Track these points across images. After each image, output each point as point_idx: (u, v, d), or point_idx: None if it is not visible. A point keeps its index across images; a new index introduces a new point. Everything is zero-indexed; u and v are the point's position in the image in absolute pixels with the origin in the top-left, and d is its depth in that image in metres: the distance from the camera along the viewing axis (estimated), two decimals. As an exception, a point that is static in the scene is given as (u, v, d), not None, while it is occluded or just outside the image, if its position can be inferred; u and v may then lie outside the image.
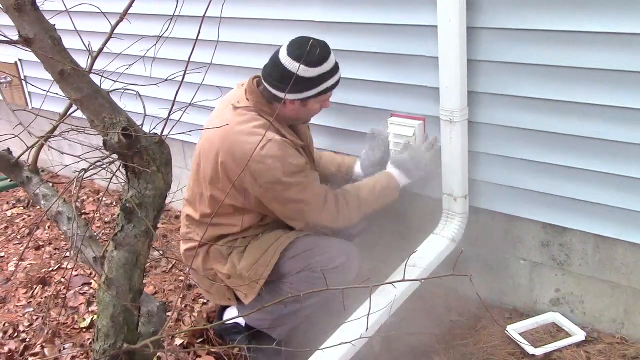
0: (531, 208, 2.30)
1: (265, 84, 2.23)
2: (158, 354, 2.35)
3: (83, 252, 1.90)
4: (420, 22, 2.24)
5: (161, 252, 3.26)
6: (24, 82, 4.49)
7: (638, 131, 1.93)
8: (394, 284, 1.69)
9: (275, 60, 2.20)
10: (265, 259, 2.29)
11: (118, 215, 1.68)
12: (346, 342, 1.69)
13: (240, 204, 2.29)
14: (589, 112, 2.01)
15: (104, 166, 1.59)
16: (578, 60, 1.96)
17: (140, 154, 1.64)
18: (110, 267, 1.67)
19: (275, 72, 2.19)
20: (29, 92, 4.52)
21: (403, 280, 1.42)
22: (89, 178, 1.67)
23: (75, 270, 3.25)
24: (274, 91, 2.20)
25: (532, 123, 2.15)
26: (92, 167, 1.58)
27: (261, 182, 2.18)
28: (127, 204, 1.65)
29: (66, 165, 1.80)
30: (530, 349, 2.22)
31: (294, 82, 2.09)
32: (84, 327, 2.73)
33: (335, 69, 2.22)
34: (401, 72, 2.40)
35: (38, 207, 4.11)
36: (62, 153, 1.63)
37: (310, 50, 2.11)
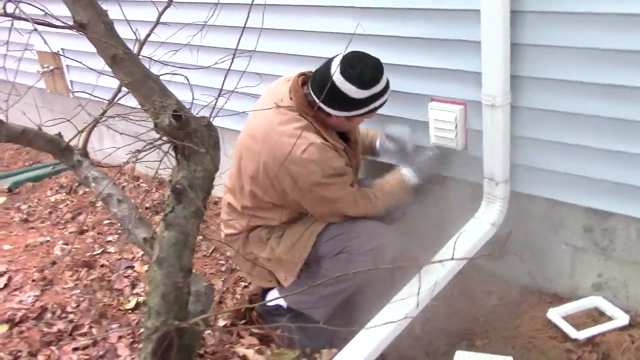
0: (574, 192, 2.28)
1: (313, 95, 2.22)
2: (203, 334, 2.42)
3: (134, 233, 1.96)
4: (464, 6, 2.23)
5: (202, 236, 3.32)
6: (66, 71, 4.60)
7: (686, 113, 1.91)
8: (443, 262, 1.70)
9: (326, 74, 2.18)
10: (303, 242, 2.33)
11: (168, 196, 1.72)
12: (392, 322, 1.72)
13: (279, 202, 2.33)
14: (631, 95, 1.98)
15: (157, 145, 1.63)
16: (623, 43, 1.94)
17: (190, 136, 1.68)
18: (162, 247, 1.72)
19: (324, 86, 2.15)
20: (70, 80, 4.61)
21: (452, 259, 1.44)
22: (140, 161, 1.71)
23: (119, 255, 3.34)
24: (321, 105, 2.20)
25: (575, 107, 2.13)
26: (145, 148, 1.63)
27: (301, 184, 2.22)
28: (177, 186, 1.69)
29: (118, 148, 1.85)
30: (573, 333, 2.21)
31: (343, 101, 2.15)
32: (130, 309, 2.80)
33: (385, 89, 2.23)
34: (444, 57, 2.39)
35: (81, 192, 4.27)
36: (121, 134, 1.68)
37: (363, 70, 2.14)
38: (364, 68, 2.15)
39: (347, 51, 2.18)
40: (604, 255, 2.33)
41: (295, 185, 2.21)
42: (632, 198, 2.14)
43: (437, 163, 2.50)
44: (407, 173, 2.45)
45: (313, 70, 2.38)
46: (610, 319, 2.29)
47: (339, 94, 2.16)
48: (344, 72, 2.14)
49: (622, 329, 2.22)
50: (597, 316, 2.33)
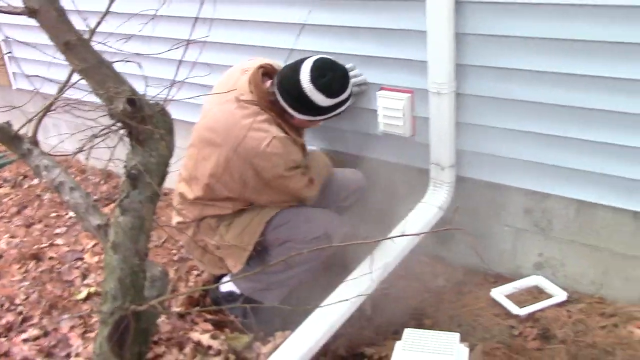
0: (515, 176, 2.40)
1: (279, 97, 2.26)
2: (158, 320, 2.43)
3: (87, 220, 1.95)
4: (409, -4, 2.31)
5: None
6: (7, 62, 4.48)
7: (616, 99, 2.03)
8: (393, 239, 1.76)
9: (294, 81, 2.22)
10: (251, 229, 2.38)
11: (123, 182, 1.73)
12: (345, 300, 1.78)
13: (236, 195, 2.35)
14: (569, 82, 2.10)
15: (112, 130, 1.64)
16: (561, 32, 2.05)
17: (145, 121, 1.69)
18: (117, 232, 1.73)
19: (293, 93, 2.23)
20: (13, 72, 4.50)
21: (403, 235, 1.51)
22: (94, 148, 1.71)
23: (68, 246, 3.30)
24: (287, 107, 2.26)
25: (516, 93, 2.24)
26: (100, 134, 1.63)
27: (264, 176, 2.26)
28: (132, 171, 1.70)
29: (71, 134, 1.85)
30: (515, 310, 2.33)
31: (311, 108, 2.23)
32: (81, 299, 2.79)
33: (348, 97, 2.32)
34: (391, 47, 2.47)
35: (26, 186, 4.18)
36: (74, 119, 1.67)
37: (332, 80, 2.22)
38: (333, 77, 2.22)
39: (316, 57, 2.26)
40: (543, 236, 2.46)
41: (258, 177, 2.25)
42: (568, 179, 2.26)
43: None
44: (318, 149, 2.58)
45: (270, 61, 2.42)
46: (549, 296, 2.42)
47: (306, 101, 2.23)
48: (313, 81, 2.20)
49: (561, 305, 2.35)
50: (538, 294, 2.45)
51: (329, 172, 2.55)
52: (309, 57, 2.25)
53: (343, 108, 2.33)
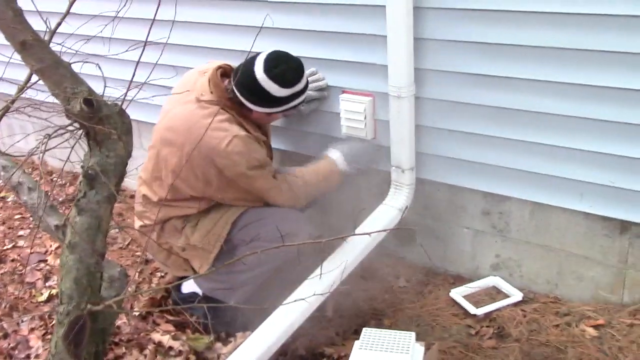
0: (473, 178, 2.45)
1: (236, 91, 2.29)
2: (118, 323, 2.44)
3: (45, 220, 1.95)
4: (371, 2, 2.35)
5: (118, 228, 3.31)
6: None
7: (567, 103, 2.09)
8: (345, 238, 1.79)
9: (249, 73, 2.24)
10: (217, 230, 2.39)
11: (80, 182, 1.74)
12: (301, 299, 1.80)
13: (200, 194, 2.36)
14: (523, 87, 2.16)
15: (68, 130, 1.64)
16: (515, 38, 2.11)
17: (102, 122, 1.70)
18: (74, 232, 1.73)
19: (248, 85, 2.25)
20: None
21: (353, 234, 1.53)
22: (50, 148, 1.72)
23: (31, 249, 3.27)
24: (244, 101, 2.29)
25: (472, 97, 2.29)
26: (55, 134, 1.64)
27: (226, 174, 2.27)
28: (89, 171, 1.71)
29: (28, 134, 1.85)
30: (472, 310, 2.38)
31: (265, 98, 2.25)
32: (42, 301, 2.77)
33: (305, 88, 2.34)
34: (353, 51, 2.50)
35: (-10, 188, 4.13)
36: (31, 116, 1.68)
37: (286, 70, 2.24)
38: (286, 68, 2.25)
39: (270, 50, 2.28)
40: (501, 237, 2.51)
41: (220, 175, 2.27)
42: (524, 182, 2.32)
43: (365, 155, 2.58)
44: (337, 159, 2.51)
45: (229, 63, 2.44)
46: (506, 296, 2.47)
47: (261, 92, 2.24)
48: (267, 71, 2.22)
49: (516, 304, 2.41)
50: (495, 294, 2.51)
51: (329, 186, 2.52)
52: (264, 51, 2.29)
53: (299, 100, 2.34)
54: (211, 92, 2.31)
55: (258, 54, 2.28)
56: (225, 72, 2.38)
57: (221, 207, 2.42)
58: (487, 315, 2.37)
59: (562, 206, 2.28)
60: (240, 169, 2.27)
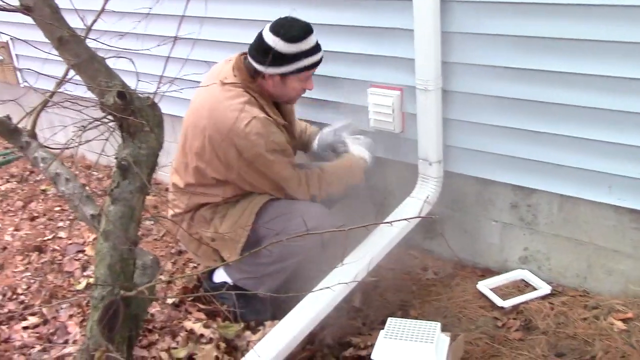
0: (501, 171, 2.45)
1: (249, 57, 2.37)
2: (152, 311, 2.51)
3: (81, 210, 2.03)
4: (397, -4, 2.37)
5: (153, 221, 3.40)
6: (15, 61, 4.59)
7: (597, 96, 2.08)
8: (369, 227, 1.81)
9: (259, 35, 2.34)
10: (243, 220, 2.44)
11: (114, 172, 1.81)
12: (327, 288, 1.84)
13: (223, 177, 2.42)
14: (551, 80, 2.16)
15: (102, 122, 1.71)
16: (542, 30, 2.10)
17: (135, 114, 1.76)
18: (108, 220, 1.80)
19: (257, 46, 2.33)
20: (20, 70, 4.60)
21: (375, 223, 1.56)
22: (85, 142, 1.79)
23: (70, 240, 3.39)
24: (255, 64, 2.34)
25: (500, 90, 2.29)
26: (90, 126, 1.71)
27: (245, 156, 2.31)
28: (122, 162, 1.78)
29: (64, 126, 1.92)
30: (499, 302, 2.38)
31: (273, 57, 2.26)
32: (80, 289, 2.87)
33: (314, 50, 2.35)
34: (381, 45, 2.53)
35: (32, 182, 4.28)
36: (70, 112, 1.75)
37: (291, 27, 2.28)
38: (292, 25, 2.31)
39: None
40: (529, 230, 2.51)
41: (240, 157, 2.31)
42: (553, 175, 2.31)
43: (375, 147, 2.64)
44: (362, 153, 2.57)
45: None
46: (534, 289, 2.47)
47: (268, 49, 2.28)
48: (272, 29, 2.30)
49: (544, 297, 2.40)
50: (523, 287, 2.51)
51: (352, 180, 2.55)
52: None
53: (309, 62, 2.34)
54: (234, 76, 2.39)
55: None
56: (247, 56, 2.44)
57: (247, 197, 2.47)
58: (515, 307, 2.37)
59: (590, 199, 2.27)
60: (258, 150, 2.30)
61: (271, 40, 2.29)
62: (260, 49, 2.32)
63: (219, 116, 2.31)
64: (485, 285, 2.50)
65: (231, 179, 2.41)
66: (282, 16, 2.35)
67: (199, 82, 2.50)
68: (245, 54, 2.44)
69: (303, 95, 2.52)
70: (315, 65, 2.39)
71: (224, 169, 2.37)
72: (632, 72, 1.98)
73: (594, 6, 1.97)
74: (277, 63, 2.31)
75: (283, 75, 2.36)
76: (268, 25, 2.33)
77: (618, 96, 2.04)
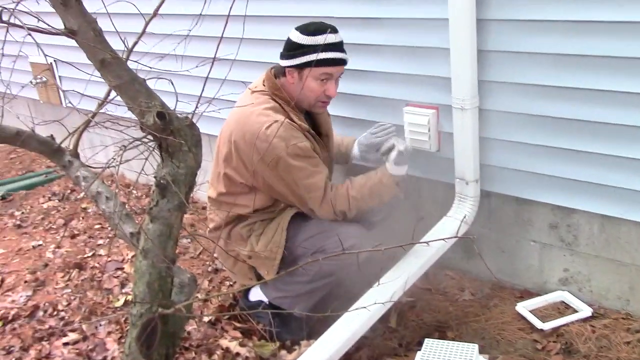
0: (540, 191, 2.42)
1: (280, 60, 2.44)
2: (188, 329, 2.53)
3: (121, 228, 2.07)
4: (433, 15, 2.37)
5: (189, 239, 3.44)
6: (58, 82, 4.73)
7: (638, 114, 2.04)
8: (403, 246, 1.80)
9: (288, 37, 2.43)
10: (276, 237, 2.45)
11: (153, 191, 1.84)
12: (362, 307, 1.83)
13: (250, 183, 2.44)
14: (592, 97, 2.13)
15: (142, 142, 1.74)
16: (581, 48, 2.08)
17: (174, 134, 1.80)
18: (146, 239, 1.83)
19: (285, 46, 2.42)
20: (63, 91, 4.73)
21: (412, 243, 1.55)
22: (126, 160, 1.83)
23: (109, 257, 3.45)
24: (279, 62, 2.42)
25: (538, 109, 2.27)
26: (130, 145, 1.74)
27: (267, 160, 2.32)
28: (161, 181, 1.81)
29: (106, 146, 1.97)
30: (539, 324, 2.34)
31: (290, 47, 2.37)
32: (119, 306, 2.91)
33: (331, 47, 2.33)
34: (416, 64, 2.53)
35: (73, 199, 4.38)
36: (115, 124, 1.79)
37: (312, 23, 2.37)
38: (313, 22, 2.39)
39: None
40: (569, 251, 2.46)
41: (262, 161, 2.32)
42: (593, 195, 2.27)
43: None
44: (389, 165, 2.50)
45: None
46: (575, 311, 2.42)
47: (287, 42, 2.39)
48: (297, 27, 2.38)
49: (585, 320, 2.35)
50: (563, 309, 2.46)
51: (383, 197, 2.49)
52: None
53: (323, 56, 2.31)
54: (263, 85, 2.46)
55: None
56: (277, 71, 2.50)
57: (280, 214, 2.49)
58: (555, 330, 2.32)
59: (632, 219, 2.22)
60: (279, 153, 2.30)
61: (293, 35, 2.38)
62: (284, 47, 2.41)
63: (243, 121, 2.37)
64: (524, 307, 2.46)
65: (258, 186, 2.43)
66: None
67: (235, 102, 2.55)
68: (274, 66, 2.51)
69: (341, 115, 2.52)
70: (331, 63, 2.35)
71: (249, 174, 2.40)
72: (675, 90, 1.94)
73: (635, 23, 1.94)
74: (292, 54, 2.37)
75: (300, 70, 2.38)
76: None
77: (661, 114, 2.00)
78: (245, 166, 2.39)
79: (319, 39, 2.32)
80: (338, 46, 2.37)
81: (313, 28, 2.36)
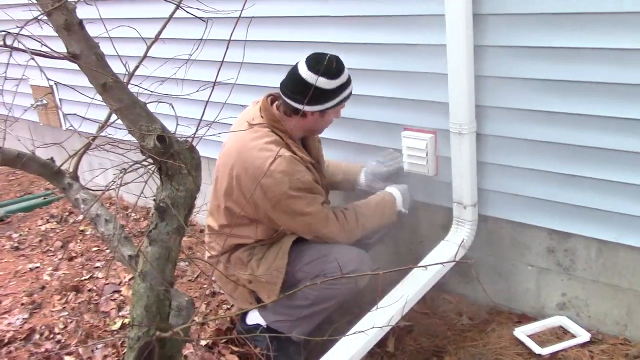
0: (537, 215, 2.43)
1: (285, 98, 2.39)
2: (185, 352, 2.52)
3: (119, 251, 2.07)
4: (431, 41, 2.41)
5: (187, 262, 3.44)
6: (59, 105, 4.75)
7: (634, 139, 2.06)
8: (402, 270, 1.81)
9: (295, 75, 2.36)
10: (277, 262, 2.45)
11: (152, 214, 1.85)
12: (360, 332, 1.83)
13: (252, 215, 2.44)
14: (587, 123, 2.15)
15: (142, 165, 1.76)
16: (576, 74, 2.11)
17: (174, 157, 1.81)
18: (145, 261, 1.83)
19: (296, 86, 2.34)
20: (63, 114, 4.76)
21: (410, 267, 1.56)
22: (126, 183, 1.84)
23: (106, 280, 3.44)
24: (294, 104, 2.36)
25: (535, 134, 2.29)
26: (130, 168, 1.75)
27: (270, 195, 2.32)
28: (161, 204, 1.81)
29: (106, 169, 1.98)
30: (537, 349, 2.33)
31: (317, 95, 2.28)
32: (116, 330, 2.90)
33: (349, 80, 2.39)
34: (414, 89, 2.56)
35: (71, 222, 4.37)
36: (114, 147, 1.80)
37: (328, 63, 2.29)
38: (329, 61, 2.30)
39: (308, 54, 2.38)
40: (566, 275, 2.46)
41: (265, 196, 2.32)
42: (590, 219, 2.28)
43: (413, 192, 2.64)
44: (396, 195, 2.59)
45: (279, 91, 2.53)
46: (573, 336, 2.41)
47: (308, 87, 2.28)
48: (311, 68, 2.31)
49: (583, 345, 2.34)
50: (561, 334, 2.45)
51: (383, 222, 2.59)
52: (300, 60, 2.38)
53: (347, 93, 2.38)
54: (261, 117, 2.43)
55: (298, 62, 2.38)
56: (275, 98, 2.49)
57: (281, 239, 2.49)
58: (553, 355, 2.31)
59: (630, 244, 2.23)
60: (282, 188, 2.31)
61: (311, 77, 2.30)
62: (298, 88, 2.33)
63: (245, 156, 2.35)
64: (522, 332, 2.45)
65: (260, 219, 2.43)
66: (312, 53, 2.38)
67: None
68: (271, 95, 2.48)
69: (338, 139, 2.54)
70: (351, 94, 2.43)
71: (251, 208, 2.40)
72: (670, 116, 1.97)
73: (627, 50, 1.97)
74: (320, 101, 2.34)
75: (323, 111, 2.39)
76: (303, 64, 2.35)
77: (656, 140, 2.02)
78: (247, 200, 2.38)
79: (343, 78, 2.35)
80: (350, 77, 2.41)
81: (334, 68, 2.32)
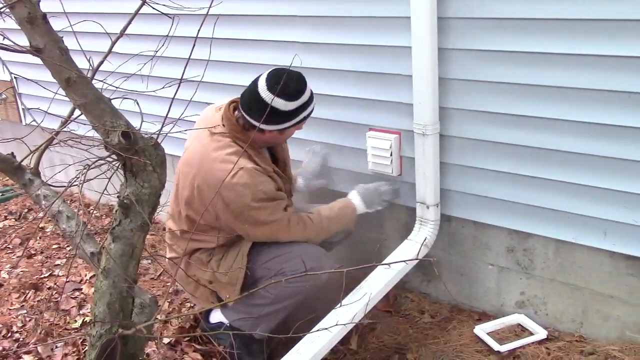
0: (498, 215, 2.48)
1: (243, 113, 2.34)
2: (148, 351, 2.50)
3: (82, 248, 2.05)
4: (397, 43, 2.43)
5: (150, 260, 3.41)
6: (18, 99, 4.66)
7: (591, 143, 2.12)
8: (365, 268, 1.82)
9: (254, 92, 2.30)
10: (237, 263, 2.44)
11: (116, 211, 1.83)
12: (324, 329, 1.85)
13: (213, 224, 2.41)
14: (548, 126, 2.20)
15: (107, 161, 1.74)
16: (538, 78, 2.16)
17: (138, 154, 1.80)
18: (108, 258, 1.82)
19: (254, 105, 2.29)
20: (23, 109, 4.66)
21: (373, 265, 1.58)
22: (88, 180, 1.82)
23: (67, 277, 3.39)
24: (251, 120, 2.31)
25: (498, 136, 2.34)
26: (94, 165, 1.74)
27: (232, 207, 2.30)
28: (125, 200, 1.80)
29: (68, 165, 1.95)
30: (496, 346, 2.38)
31: (274, 115, 2.25)
32: (76, 328, 2.86)
33: (310, 99, 2.36)
34: (379, 90, 2.59)
35: (31, 219, 4.29)
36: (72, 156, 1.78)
37: (288, 84, 2.24)
38: (288, 81, 2.25)
39: (271, 69, 2.33)
40: (525, 274, 2.52)
41: (227, 208, 2.30)
42: (548, 220, 2.34)
43: (387, 196, 2.66)
44: (355, 200, 2.61)
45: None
46: (531, 333, 2.47)
47: (265, 106, 2.23)
48: (271, 88, 2.25)
49: (541, 342, 2.40)
50: (520, 331, 2.51)
51: (344, 225, 2.61)
52: (264, 72, 2.34)
53: (307, 112, 2.36)
54: (223, 126, 2.39)
55: (259, 75, 2.34)
56: (237, 105, 2.44)
57: (241, 240, 2.48)
58: (511, 352, 2.36)
59: (586, 244, 2.29)
60: (245, 201, 2.29)
61: (269, 97, 2.25)
62: (256, 106, 2.28)
63: (207, 167, 2.32)
64: (482, 330, 2.50)
65: (221, 227, 2.41)
66: (273, 69, 2.33)
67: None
68: (234, 102, 2.44)
69: (304, 138, 2.56)
70: (312, 112, 2.40)
71: (213, 219, 2.37)
72: (626, 120, 2.03)
73: (590, 56, 2.02)
74: (277, 121, 2.31)
75: (281, 130, 2.37)
76: (262, 82, 2.29)
77: (612, 143, 2.08)
78: (208, 210, 2.33)
79: (302, 99, 2.30)
80: (312, 95, 2.37)
81: (293, 89, 2.28)
